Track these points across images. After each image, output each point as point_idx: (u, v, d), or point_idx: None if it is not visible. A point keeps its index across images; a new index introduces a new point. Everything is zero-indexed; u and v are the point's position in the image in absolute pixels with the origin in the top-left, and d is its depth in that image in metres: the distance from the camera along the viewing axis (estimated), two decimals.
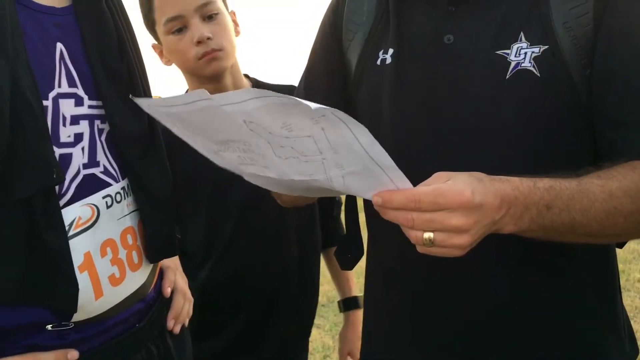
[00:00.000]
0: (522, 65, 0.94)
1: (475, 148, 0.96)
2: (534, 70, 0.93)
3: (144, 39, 1.52)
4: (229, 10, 1.54)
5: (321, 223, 1.66)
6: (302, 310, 1.62)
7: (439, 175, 0.81)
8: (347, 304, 1.78)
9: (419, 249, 0.80)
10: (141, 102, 0.88)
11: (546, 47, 0.93)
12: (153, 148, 1.04)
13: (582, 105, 0.94)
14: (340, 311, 1.79)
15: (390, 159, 0.74)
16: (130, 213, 0.98)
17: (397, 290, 1.09)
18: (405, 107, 1.01)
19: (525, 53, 0.94)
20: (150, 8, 1.48)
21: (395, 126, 1.02)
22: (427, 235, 0.78)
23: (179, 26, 1.45)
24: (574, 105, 0.94)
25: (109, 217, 0.93)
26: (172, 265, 1.17)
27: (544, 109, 0.94)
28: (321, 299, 1.96)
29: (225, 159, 0.89)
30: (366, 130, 0.71)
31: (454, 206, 0.77)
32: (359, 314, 1.74)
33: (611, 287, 1.04)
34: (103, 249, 0.92)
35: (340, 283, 1.80)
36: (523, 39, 0.95)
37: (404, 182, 0.78)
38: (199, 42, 1.43)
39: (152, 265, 1.04)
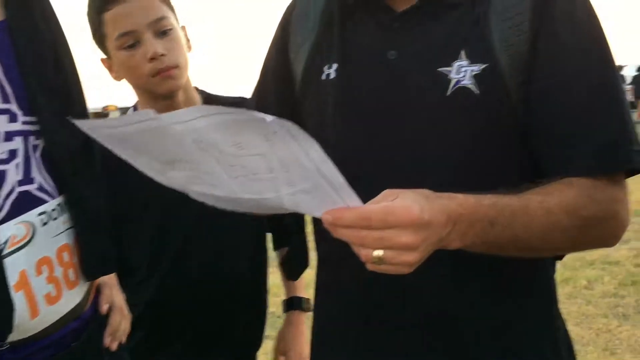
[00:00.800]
0: (462, 82, 0.96)
1: (417, 164, 0.98)
2: (474, 88, 0.96)
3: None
4: (180, 26, 1.52)
5: (270, 225, 1.66)
6: (253, 322, 1.61)
7: (387, 193, 0.82)
8: (289, 304, 1.75)
9: (369, 266, 0.81)
10: (81, 123, 0.86)
11: (486, 65, 0.96)
12: (89, 164, 1.03)
13: (520, 123, 0.97)
14: (283, 311, 1.76)
15: (341, 176, 0.75)
16: (66, 230, 0.97)
17: (345, 302, 1.10)
18: (349, 124, 1.03)
19: (466, 71, 0.97)
20: (100, 22, 1.44)
21: (339, 142, 1.03)
22: (377, 253, 0.78)
23: (132, 42, 1.41)
24: (512, 122, 0.97)
25: (44, 234, 0.92)
26: (109, 281, 1.16)
27: (482, 127, 0.97)
28: (276, 309, 1.94)
29: (171, 178, 0.88)
30: (318, 146, 0.71)
31: (403, 224, 0.77)
32: (299, 315, 1.72)
33: (547, 295, 1.08)
34: (39, 267, 0.90)
35: (287, 283, 1.77)
36: (464, 56, 0.97)
37: (354, 200, 0.78)
38: (152, 59, 1.40)
39: (88, 282, 1.03)
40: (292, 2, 1.20)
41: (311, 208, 0.82)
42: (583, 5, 0.99)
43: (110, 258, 1.06)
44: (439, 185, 0.87)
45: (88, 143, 1.03)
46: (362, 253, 0.80)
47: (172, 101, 1.46)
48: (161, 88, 1.44)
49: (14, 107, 0.92)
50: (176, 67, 1.44)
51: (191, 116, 0.71)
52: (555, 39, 0.96)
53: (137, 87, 1.51)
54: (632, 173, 0.97)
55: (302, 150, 0.72)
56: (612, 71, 0.99)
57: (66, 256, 0.96)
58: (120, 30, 1.41)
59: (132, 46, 1.42)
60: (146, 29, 1.41)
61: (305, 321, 1.69)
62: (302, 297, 1.73)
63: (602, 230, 0.96)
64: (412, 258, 0.80)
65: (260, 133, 0.71)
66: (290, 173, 0.76)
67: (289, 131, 0.70)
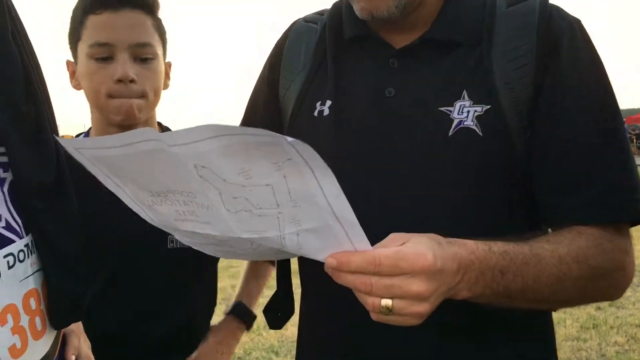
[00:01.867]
0: (465, 123, 0.94)
1: (417, 204, 0.95)
2: (477, 129, 0.94)
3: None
4: (166, 61, 1.42)
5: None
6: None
7: (395, 237, 0.77)
8: (233, 308, 1.53)
9: (374, 316, 0.75)
10: (66, 143, 0.76)
11: (488, 106, 0.94)
12: (61, 199, 0.94)
13: (522, 166, 0.95)
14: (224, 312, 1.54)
15: (353, 215, 0.69)
16: (34, 273, 0.87)
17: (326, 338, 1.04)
18: (344, 161, 0.98)
19: (468, 111, 0.95)
20: (82, 22, 1.33)
21: None
22: (385, 302, 0.73)
23: (105, 55, 1.30)
24: (514, 164, 0.95)
25: (10, 279, 0.82)
26: (76, 329, 1.06)
27: (484, 167, 0.94)
28: (237, 350, 1.80)
29: (158, 213, 0.80)
30: (334, 178, 0.66)
31: (415, 271, 0.73)
32: (234, 324, 1.51)
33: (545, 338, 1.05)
34: (3, 316, 0.80)
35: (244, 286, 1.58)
36: (466, 97, 0.95)
37: (363, 242, 0.72)
38: (119, 80, 1.29)
39: (56, 331, 0.93)
40: (281, 37, 1.17)
41: (315, 250, 0.75)
42: (588, 51, 0.98)
43: (81, 304, 0.96)
44: (439, 225, 0.83)
45: (61, 176, 0.94)
46: (369, 302, 0.74)
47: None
48: (115, 115, 1.32)
49: None
50: (141, 97, 1.32)
51: (197, 137, 0.63)
52: (560, 85, 0.95)
53: (93, 106, 1.38)
54: (637, 222, 0.95)
55: (316, 180, 0.66)
56: (617, 119, 0.97)
57: (33, 303, 0.86)
58: (98, 38, 1.30)
59: (103, 59, 1.31)
60: (125, 48, 1.30)
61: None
62: (248, 308, 1.53)
63: (609, 281, 0.93)
64: (423, 309, 0.75)
65: (272, 160, 0.64)
66: (298, 208, 0.69)
67: (304, 157, 0.63)
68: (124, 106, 1.31)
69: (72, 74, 1.40)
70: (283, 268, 1.13)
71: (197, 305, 1.46)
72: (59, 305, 0.91)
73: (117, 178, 0.78)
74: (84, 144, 0.76)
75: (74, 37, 1.36)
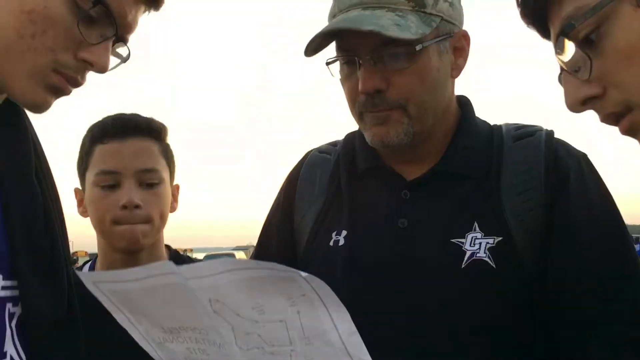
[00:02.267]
0: (478, 255, 0.95)
1: (431, 335, 0.94)
2: (489, 261, 0.95)
3: None
4: (173, 184, 1.44)
5: None
6: None
7: None
8: None
9: None
10: (85, 277, 0.76)
11: (500, 238, 0.95)
12: (69, 336, 0.91)
13: (536, 296, 0.95)
14: None
15: (368, 354, 0.68)
16: None
17: None
18: (359, 290, 0.98)
19: (480, 243, 0.96)
20: (90, 152, 1.35)
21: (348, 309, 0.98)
22: None
23: (111, 182, 1.32)
24: (528, 295, 0.95)
25: None
26: None
27: (496, 298, 0.94)
28: None
29: (169, 351, 0.78)
30: (348, 315, 0.66)
31: None
32: None
33: None
34: None
35: None
36: (477, 228, 0.97)
37: None
38: (124, 207, 1.30)
39: None
40: (296, 166, 1.21)
41: None
42: (596, 185, 1.01)
43: None
44: (452, 352, 0.84)
45: (71, 311, 0.92)
46: None
47: (132, 257, 1.32)
48: (119, 241, 1.31)
49: None
50: (147, 222, 1.32)
51: (215, 270, 0.64)
52: (570, 223, 0.96)
53: (99, 232, 1.38)
54: None
55: (330, 317, 0.65)
56: (631, 250, 0.98)
57: None
58: (104, 166, 1.33)
59: (110, 187, 1.32)
60: (131, 175, 1.32)
61: None
62: None
63: None
64: None
65: (286, 296, 0.64)
66: (312, 346, 0.68)
67: (318, 293, 0.63)
68: (128, 232, 1.31)
69: (80, 202, 1.42)
70: None
71: None
72: None
73: (131, 314, 0.77)
74: (103, 278, 0.77)
75: (82, 167, 1.39)
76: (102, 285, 0.76)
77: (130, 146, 1.34)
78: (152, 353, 0.82)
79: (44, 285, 0.86)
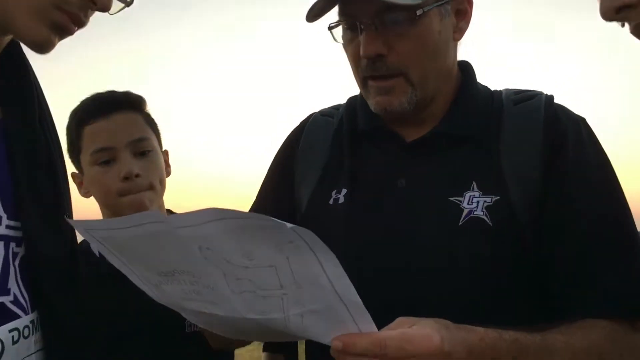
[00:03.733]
0: (475, 213, 0.96)
1: (428, 291, 0.95)
2: (486, 219, 0.96)
3: None
4: (163, 149, 1.49)
5: None
6: None
7: (402, 320, 0.77)
8: None
9: None
10: (77, 224, 0.78)
11: (497, 197, 0.96)
12: (71, 280, 0.93)
13: (532, 256, 0.96)
14: None
15: (357, 296, 0.69)
16: (36, 352, 0.85)
17: None
18: (356, 248, 0.99)
19: (478, 202, 0.97)
20: (79, 135, 1.40)
21: (347, 267, 0.99)
22: None
23: (107, 158, 1.36)
24: (524, 254, 0.96)
25: (14, 354, 0.80)
26: None
27: (494, 256, 0.95)
28: None
29: (165, 292, 0.80)
30: (336, 259, 0.66)
31: (422, 353, 0.72)
32: None
33: None
34: None
35: None
36: (475, 187, 0.98)
37: (368, 324, 0.72)
38: (125, 178, 1.34)
39: None
40: (297, 128, 1.22)
41: (319, 332, 0.74)
42: (594, 148, 1.02)
43: None
44: (449, 312, 0.83)
45: (73, 256, 0.94)
46: None
47: None
48: (129, 211, 1.34)
49: None
50: (149, 189, 1.38)
51: (202, 219, 0.65)
52: (568, 183, 0.97)
53: (105, 206, 1.43)
54: None
55: (318, 263, 0.66)
56: (626, 214, 0.99)
57: None
58: (97, 145, 1.37)
59: (106, 162, 1.37)
60: (124, 147, 1.37)
61: None
62: None
63: None
64: None
65: (274, 242, 0.65)
66: (302, 290, 0.69)
67: (306, 240, 0.64)
68: (136, 201, 1.35)
69: (80, 184, 1.46)
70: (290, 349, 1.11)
71: None
72: None
73: (125, 258, 0.79)
74: (94, 225, 0.79)
75: (74, 151, 1.43)
76: (95, 233, 0.78)
77: (116, 121, 1.39)
78: (150, 293, 0.84)
79: (47, 227, 0.88)
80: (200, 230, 0.66)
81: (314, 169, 1.12)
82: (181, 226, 0.67)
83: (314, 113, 1.23)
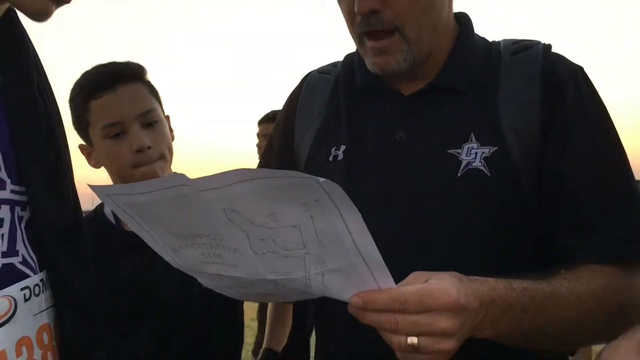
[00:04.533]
0: (473, 164, 0.97)
1: (428, 244, 0.97)
2: (484, 170, 0.97)
3: None
4: (165, 115, 1.52)
5: None
6: None
7: (417, 275, 0.78)
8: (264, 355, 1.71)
9: (400, 355, 0.75)
10: (98, 189, 0.78)
11: (495, 148, 0.97)
12: (75, 241, 0.97)
13: (531, 206, 0.98)
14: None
15: (378, 253, 0.71)
16: (47, 309, 0.89)
17: None
18: (358, 203, 1.02)
19: (476, 153, 0.98)
20: (86, 109, 1.43)
21: None
22: (411, 340, 0.73)
23: (118, 131, 1.41)
24: (523, 205, 0.97)
25: (26, 311, 0.84)
26: None
27: (493, 207, 0.97)
28: None
29: (183, 256, 0.81)
30: (360, 217, 0.68)
31: (441, 307, 0.73)
32: None
33: None
34: (18, 348, 0.81)
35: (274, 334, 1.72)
36: (473, 139, 0.99)
37: (387, 280, 0.73)
38: (138, 151, 1.39)
39: None
40: (296, 87, 1.23)
41: (339, 290, 0.76)
42: (592, 98, 1.02)
43: (91, 345, 0.97)
44: (450, 264, 0.84)
45: (76, 223, 0.97)
46: (395, 340, 0.74)
47: None
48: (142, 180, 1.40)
49: (2, 174, 0.86)
50: (161, 159, 1.43)
51: (228, 181, 0.65)
52: (567, 133, 0.98)
53: (118, 177, 1.47)
54: None
55: (343, 220, 0.67)
56: (624, 159, 1.01)
57: (46, 338, 0.87)
58: (107, 120, 1.41)
59: (117, 136, 1.41)
60: (134, 120, 1.41)
61: None
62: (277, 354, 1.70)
63: (626, 319, 0.93)
64: (450, 346, 0.74)
65: (300, 201, 0.66)
66: (324, 249, 0.71)
67: (332, 197, 0.65)
68: (149, 172, 1.41)
69: (89, 155, 1.51)
70: (299, 310, 1.15)
71: (225, 345, 1.49)
72: (69, 344, 0.92)
73: (146, 223, 0.80)
74: (117, 191, 0.79)
75: (82, 125, 1.47)
76: (116, 198, 0.79)
77: (123, 94, 1.42)
78: (166, 258, 0.85)
79: (50, 192, 0.91)
80: (227, 192, 0.66)
81: (313, 126, 1.13)
82: (207, 189, 0.67)
83: (312, 71, 1.24)
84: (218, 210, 0.69)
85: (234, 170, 0.64)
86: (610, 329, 0.91)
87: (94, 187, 0.83)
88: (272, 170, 0.66)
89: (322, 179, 0.64)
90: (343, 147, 1.07)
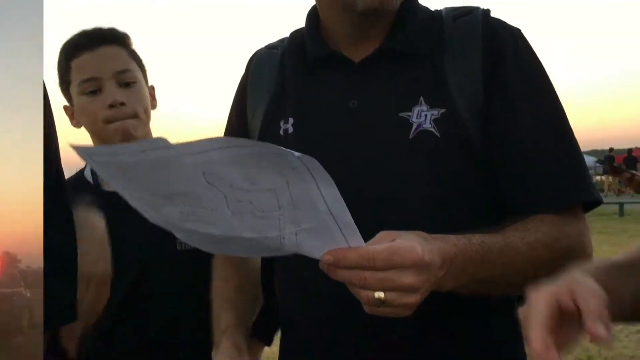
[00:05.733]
0: (424, 126, 1.00)
1: (383, 208, 0.99)
2: (434, 131, 0.99)
3: None
4: (149, 84, 1.56)
5: None
6: None
7: (384, 235, 0.82)
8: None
9: (367, 309, 0.80)
10: (79, 149, 0.79)
11: (444, 110, 1.00)
12: (58, 207, 1.01)
13: (481, 164, 1.01)
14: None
15: (350, 215, 0.74)
16: None
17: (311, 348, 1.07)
18: None
19: (426, 115, 1.00)
20: (67, 68, 1.48)
21: None
22: (378, 294, 0.77)
23: (93, 88, 1.45)
24: (473, 162, 1.01)
25: None
26: None
27: (445, 168, 1.00)
28: None
29: (162, 214, 0.83)
30: (333, 184, 0.71)
31: (407, 264, 0.77)
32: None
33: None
34: None
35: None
36: (423, 102, 1.01)
37: (357, 240, 0.77)
38: (111, 106, 1.43)
39: None
40: (246, 67, 1.23)
41: (312, 248, 0.80)
42: (530, 56, 1.07)
43: (73, 305, 1.02)
44: (406, 225, 0.87)
45: (59, 186, 1.01)
46: (363, 295, 0.79)
47: None
48: (115, 137, 1.44)
49: None
50: (134, 117, 1.46)
51: (207, 147, 0.68)
52: (509, 89, 1.02)
53: (93, 134, 1.52)
54: (590, 207, 1.04)
55: (318, 188, 0.72)
56: (562, 115, 1.05)
57: None
58: (84, 75, 1.46)
59: (93, 92, 1.45)
60: (109, 77, 1.45)
61: None
62: None
63: (572, 261, 0.98)
64: (414, 300, 0.80)
65: (277, 168, 0.69)
66: (298, 210, 0.75)
67: (308, 167, 0.69)
68: (121, 128, 1.44)
69: (72, 116, 1.55)
70: (267, 279, 1.16)
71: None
72: (52, 305, 0.96)
73: (127, 182, 0.81)
74: (97, 151, 0.83)
75: (64, 83, 1.52)
76: (97, 157, 0.81)
77: (103, 53, 1.47)
78: (146, 215, 0.87)
79: None
80: (207, 157, 0.68)
81: (262, 102, 1.13)
82: (188, 153, 0.69)
83: (260, 48, 1.23)
84: (198, 173, 0.72)
85: (214, 137, 0.68)
86: (560, 270, 0.97)
87: (76, 147, 0.82)
88: (251, 141, 0.70)
89: (298, 154, 0.67)
90: (291, 120, 1.08)
